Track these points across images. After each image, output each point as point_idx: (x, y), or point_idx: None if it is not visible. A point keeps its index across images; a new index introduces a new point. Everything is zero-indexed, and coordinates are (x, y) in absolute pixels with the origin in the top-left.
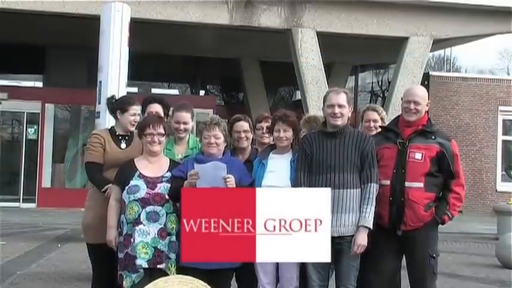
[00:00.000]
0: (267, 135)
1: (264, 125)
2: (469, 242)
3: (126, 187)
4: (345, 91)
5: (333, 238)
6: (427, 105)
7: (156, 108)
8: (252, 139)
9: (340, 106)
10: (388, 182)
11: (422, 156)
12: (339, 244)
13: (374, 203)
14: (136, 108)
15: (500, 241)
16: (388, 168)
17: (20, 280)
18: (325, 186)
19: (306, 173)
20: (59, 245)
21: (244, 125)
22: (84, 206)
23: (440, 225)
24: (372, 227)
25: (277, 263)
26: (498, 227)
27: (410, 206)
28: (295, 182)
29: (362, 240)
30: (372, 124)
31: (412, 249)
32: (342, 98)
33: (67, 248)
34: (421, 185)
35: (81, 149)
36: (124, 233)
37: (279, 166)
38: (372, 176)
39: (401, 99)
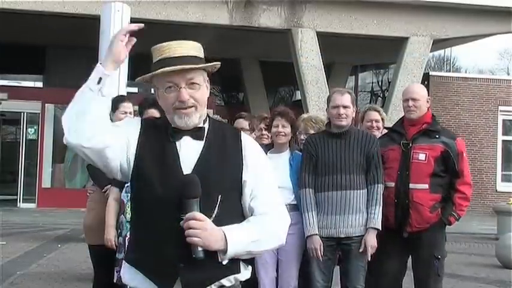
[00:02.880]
0: (266, 136)
1: (263, 126)
2: (469, 242)
3: (125, 186)
4: (349, 91)
5: (340, 239)
6: (427, 101)
7: (154, 113)
8: None
9: (345, 107)
10: (392, 184)
11: (425, 157)
12: (347, 245)
13: (381, 204)
14: (126, 106)
15: (500, 241)
16: (392, 170)
17: (20, 280)
18: (331, 188)
19: (310, 174)
20: (59, 245)
21: (242, 123)
22: (84, 206)
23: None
24: (380, 228)
25: (277, 263)
26: (498, 227)
27: (416, 208)
28: (300, 183)
29: (372, 241)
30: (375, 124)
31: (417, 249)
32: (346, 99)
33: (67, 248)
34: (426, 186)
35: None
36: (124, 234)
37: (276, 165)
38: (378, 176)
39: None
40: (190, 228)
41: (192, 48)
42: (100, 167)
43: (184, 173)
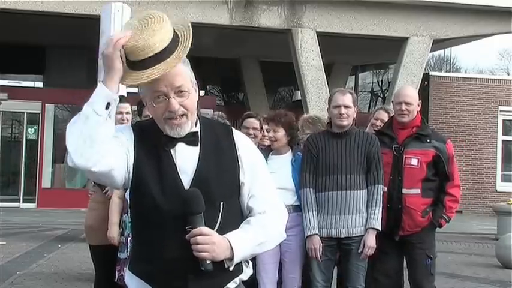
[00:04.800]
0: (267, 136)
1: (264, 127)
2: (469, 242)
3: None
4: (350, 91)
5: (340, 239)
6: (418, 105)
7: None
8: None
9: (346, 107)
10: (385, 189)
11: (418, 162)
12: (347, 245)
13: (381, 204)
14: (122, 106)
15: (500, 241)
16: (385, 174)
17: (20, 280)
18: (332, 187)
19: (311, 174)
20: (59, 245)
21: (254, 122)
22: (84, 206)
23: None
24: (380, 229)
25: (280, 263)
26: (498, 227)
27: (408, 213)
28: (301, 183)
29: (371, 242)
30: (379, 123)
31: (410, 251)
32: (347, 99)
33: (67, 248)
34: (418, 191)
35: None
36: (126, 233)
37: (278, 166)
38: (379, 177)
39: (392, 102)
40: (198, 243)
41: (162, 39)
42: (107, 184)
43: (184, 183)
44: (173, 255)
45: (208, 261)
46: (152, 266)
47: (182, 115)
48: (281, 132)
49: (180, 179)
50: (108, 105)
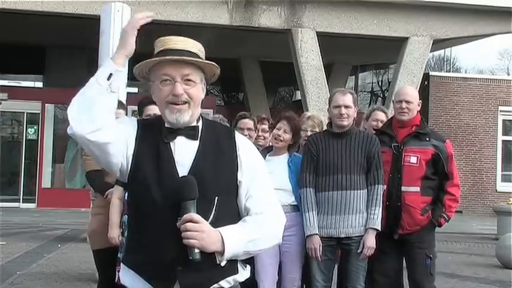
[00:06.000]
0: (262, 137)
1: (260, 127)
2: (469, 242)
3: None
4: (351, 92)
5: (340, 239)
6: (418, 105)
7: (154, 110)
8: None
9: (346, 107)
10: (384, 187)
11: (417, 160)
12: (347, 245)
13: (381, 204)
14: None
15: (500, 241)
16: (384, 172)
17: (20, 280)
18: (332, 187)
19: (311, 174)
20: (59, 245)
21: (248, 123)
22: (83, 206)
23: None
24: (380, 229)
25: (280, 264)
26: (498, 227)
27: (407, 211)
28: (301, 183)
29: (371, 242)
30: (380, 124)
31: (409, 250)
32: (348, 99)
33: (67, 248)
34: (418, 189)
35: (81, 149)
36: (126, 234)
37: (275, 167)
38: (379, 177)
39: (392, 101)
40: (187, 230)
41: (193, 46)
42: (102, 162)
43: (181, 175)
44: (164, 246)
45: (196, 250)
46: (143, 256)
47: (185, 102)
48: (289, 135)
49: (177, 171)
50: (110, 76)
